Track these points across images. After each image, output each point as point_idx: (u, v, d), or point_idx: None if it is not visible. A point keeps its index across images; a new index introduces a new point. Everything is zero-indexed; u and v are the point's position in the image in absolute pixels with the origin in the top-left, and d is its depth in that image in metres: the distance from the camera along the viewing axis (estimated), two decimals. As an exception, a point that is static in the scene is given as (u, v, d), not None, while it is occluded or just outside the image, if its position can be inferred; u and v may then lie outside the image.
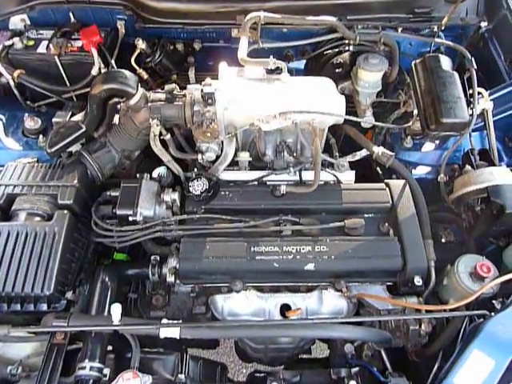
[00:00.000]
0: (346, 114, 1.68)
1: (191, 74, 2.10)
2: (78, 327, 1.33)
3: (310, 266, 1.50)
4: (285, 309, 1.63)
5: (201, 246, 1.52)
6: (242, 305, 1.62)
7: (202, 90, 1.57)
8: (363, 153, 1.85)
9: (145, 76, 2.00)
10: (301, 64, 2.24)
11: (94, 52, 1.87)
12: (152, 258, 1.66)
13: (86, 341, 1.37)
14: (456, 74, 1.70)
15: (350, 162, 1.85)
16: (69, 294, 1.51)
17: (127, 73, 1.62)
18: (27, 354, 1.35)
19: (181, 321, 1.37)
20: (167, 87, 1.63)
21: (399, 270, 1.53)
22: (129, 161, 1.84)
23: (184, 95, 1.63)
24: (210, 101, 1.57)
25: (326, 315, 1.64)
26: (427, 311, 1.43)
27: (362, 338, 1.45)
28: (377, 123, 1.81)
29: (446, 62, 1.73)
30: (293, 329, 1.40)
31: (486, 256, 1.55)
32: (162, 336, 1.30)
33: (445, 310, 1.39)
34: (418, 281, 1.51)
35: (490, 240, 1.72)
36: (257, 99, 1.63)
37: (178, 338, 1.31)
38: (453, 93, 1.64)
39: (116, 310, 1.29)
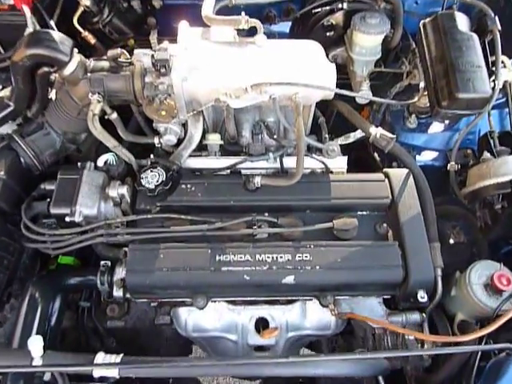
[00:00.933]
0: (338, 87, 1.35)
1: (153, 38, 1.74)
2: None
3: (290, 279, 1.21)
4: (261, 324, 1.36)
5: (153, 254, 1.22)
6: (209, 319, 1.36)
7: (152, 56, 1.23)
8: (358, 134, 1.53)
9: (91, 40, 1.65)
10: (285, 27, 1.88)
11: (27, 10, 1.51)
12: (102, 263, 1.37)
13: (4, 379, 1.08)
14: (475, 37, 1.36)
15: (341, 145, 1.53)
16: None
17: (58, 34, 1.27)
18: None
19: (121, 355, 1.07)
20: (110, 53, 1.28)
21: (399, 282, 1.24)
22: (74, 144, 1.52)
23: (131, 63, 1.28)
24: (163, 70, 1.23)
25: (309, 330, 1.39)
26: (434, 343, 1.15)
27: (354, 373, 1.18)
28: (375, 98, 1.47)
29: (462, 22, 1.38)
30: (268, 367, 1.11)
31: (502, 260, 1.28)
32: (96, 376, 1.01)
33: (458, 343, 1.11)
34: (421, 297, 1.24)
35: (508, 242, 1.43)
36: (224, 67, 1.29)
37: (116, 377, 1.02)
38: (471, 60, 1.30)
39: (35, 344, 0.99)
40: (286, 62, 1.31)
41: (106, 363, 1.01)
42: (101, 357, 1.04)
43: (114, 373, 1.01)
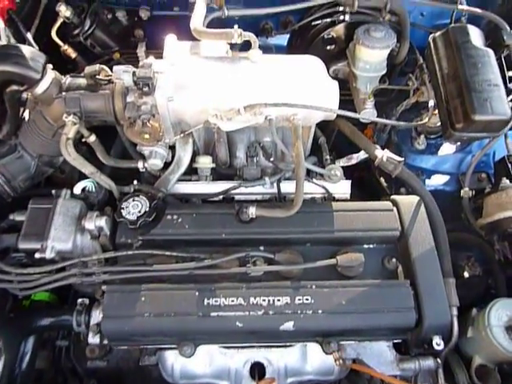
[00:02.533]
0: (341, 105, 1.22)
1: (140, 51, 1.61)
2: None
3: (288, 326, 1.07)
4: (257, 369, 1.22)
5: (133, 296, 1.08)
6: (199, 363, 1.23)
7: (134, 74, 1.10)
8: (361, 155, 1.41)
9: (72, 54, 1.51)
10: (283, 40, 1.76)
11: (0, 22, 1.37)
12: (79, 301, 1.23)
13: None
14: (491, 52, 1.23)
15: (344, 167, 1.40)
16: None
17: (29, 49, 1.14)
18: None
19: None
20: (88, 69, 1.15)
21: (412, 327, 1.10)
22: (51, 168, 1.38)
23: (111, 81, 1.15)
24: (146, 89, 1.10)
25: (311, 375, 1.25)
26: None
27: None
28: (381, 120, 1.34)
29: (476, 36, 1.26)
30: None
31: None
32: None
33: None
34: (437, 343, 1.10)
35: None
36: (214, 86, 1.16)
37: None
38: (488, 78, 1.18)
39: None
40: (284, 79, 1.18)
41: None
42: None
43: None
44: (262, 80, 1.16)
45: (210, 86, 1.15)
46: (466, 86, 1.17)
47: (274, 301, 1.08)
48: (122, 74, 1.13)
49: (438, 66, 1.28)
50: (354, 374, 1.36)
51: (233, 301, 1.07)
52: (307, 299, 1.09)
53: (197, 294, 1.08)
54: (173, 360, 1.23)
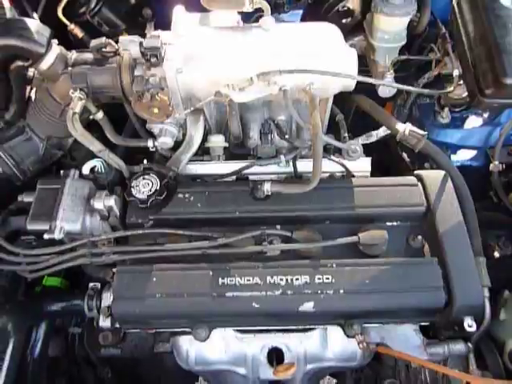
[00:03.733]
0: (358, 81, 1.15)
1: (149, 32, 1.55)
2: None
3: (308, 306, 1.01)
4: (275, 355, 1.16)
5: (144, 277, 1.03)
6: (214, 349, 1.18)
7: (141, 44, 1.05)
8: (381, 132, 1.33)
9: (79, 34, 1.47)
10: (297, 16, 1.70)
11: (5, 1, 1.34)
12: (90, 286, 1.20)
13: None
14: (523, 12, 1.14)
15: (363, 144, 1.32)
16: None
17: (33, 22, 1.10)
18: None
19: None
20: (94, 42, 1.10)
21: (441, 307, 1.03)
22: (60, 151, 1.35)
23: (117, 53, 1.10)
24: (154, 60, 1.05)
25: (332, 362, 1.19)
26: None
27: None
28: (404, 86, 1.26)
29: (506, -5, 1.17)
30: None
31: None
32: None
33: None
34: (469, 325, 1.02)
35: None
36: (225, 55, 1.10)
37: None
38: (520, 39, 1.09)
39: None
40: (299, 46, 1.11)
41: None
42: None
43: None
44: (275, 47, 1.10)
45: (220, 56, 1.10)
46: (496, 47, 1.08)
47: (292, 280, 1.02)
48: (129, 45, 1.08)
49: (463, 30, 1.20)
50: (376, 362, 1.31)
51: (249, 280, 1.02)
52: (328, 278, 1.02)
53: (211, 273, 1.03)
54: (187, 346, 1.18)
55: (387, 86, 1.29)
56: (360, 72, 1.25)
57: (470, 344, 1.09)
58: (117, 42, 1.48)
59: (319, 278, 1.02)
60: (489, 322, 1.08)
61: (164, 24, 1.62)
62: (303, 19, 1.71)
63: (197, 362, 1.19)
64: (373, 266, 1.05)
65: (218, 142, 1.30)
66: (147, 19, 1.60)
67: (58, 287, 1.35)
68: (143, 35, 1.59)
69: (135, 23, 1.60)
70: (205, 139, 1.30)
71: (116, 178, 1.27)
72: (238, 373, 1.18)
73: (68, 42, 1.53)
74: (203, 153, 1.33)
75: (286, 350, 1.16)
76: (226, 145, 1.32)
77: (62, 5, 1.43)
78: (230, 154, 1.35)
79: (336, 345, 1.16)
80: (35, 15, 1.42)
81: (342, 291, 1.01)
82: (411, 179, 1.18)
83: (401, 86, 1.23)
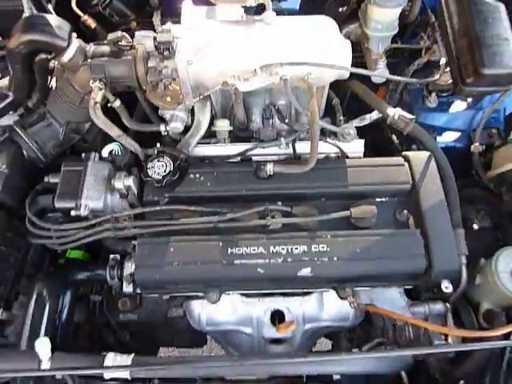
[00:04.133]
0: (352, 66, 1.26)
1: (156, 20, 1.65)
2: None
3: (306, 271, 1.15)
4: (277, 316, 1.31)
5: (162, 248, 1.17)
6: (223, 312, 1.32)
7: (155, 39, 1.15)
8: (374, 115, 1.45)
9: (92, 24, 1.57)
10: (295, 3, 1.77)
11: (23, -6, 1.43)
12: (111, 257, 1.34)
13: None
14: (502, 7, 1.25)
15: (356, 127, 1.45)
16: (-1, 313, 1.19)
17: (55, 18, 1.20)
18: None
19: (132, 356, 1.03)
20: (111, 36, 1.21)
21: (422, 272, 1.18)
22: (78, 135, 1.46)
23: (132, 47, 1.21)
24: (166, 53, 1.16)
25: (327, 322, 1.35)
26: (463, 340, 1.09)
27: (377, 370, 1.12)
28: (393, 77, 1.37)
29: (488, -10, 1.27)
30: (286, 366, 1.06)
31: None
32: (107, 377, 0.97)
33: (484, 339, 1.04)
34: (446, 287, 1.18)
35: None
36: (231, 48, 1.21)
37: (128, 378, 0.98)
38: (498, 33, 1.20)
39: (43, 346, 0.95)
40: (297, 40, 1.22)
41: (115, 366, 0.97)
42: (111, 358, 1.00)
43: (125, 374, 0.97)
44: (276, 41, 1.21)
45: (227, 49, 1.20)
46: (477, 40, 1.19)
47: (292, 249, 1.16)
48: (144, 40, 1.18)
49: (449, 22, 1.30)
50: (367, 324, 1.46)
51: (254, 250, 1.16)
52: (323, 247, 1.16)
53: (221, 244, 1.17)
54: (199, 309, 1.33)
55: (379, 75, 1.40)
56: (355, 58, 1.35)
57: (447, 304, 1.24)
58: (127, 30, 1.58)
59: (315, 247, 1.16)
60: (465, 286, 1.22)
61: (170, 12, 1.72)
62: (302, 6, 1.79)
63: (208, 323, 1.34)
64: (363, 237, 1.19)
65: (223, 126, 1.41)
66: (154, 8, 1.68)
67: (80, 259, 1.49)
68: (151, 23, 1.69)
69: (143, 12, 1.68)
70: (211, 123, 1.41)
71: (131, 160, 1.38)
72: (244, 332, 1.33)
73: (80, 31, 1.61)
74: (210, 136, 1.44)
75: (287, 311, 1.31)
76: (231, 128, 1.43)
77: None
78: (234, 137, 1.46)
79: (331, 307, 1.31)
80: (50, 6, 1.50)
81: (335, 258, 1.15)
82: (399, 160, 1.31)
83: (389, 76, 1.34)
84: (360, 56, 1.61)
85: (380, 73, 1.50)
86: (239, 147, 1.39)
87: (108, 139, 1.39)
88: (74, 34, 1.23)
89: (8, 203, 1.30)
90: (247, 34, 1.22)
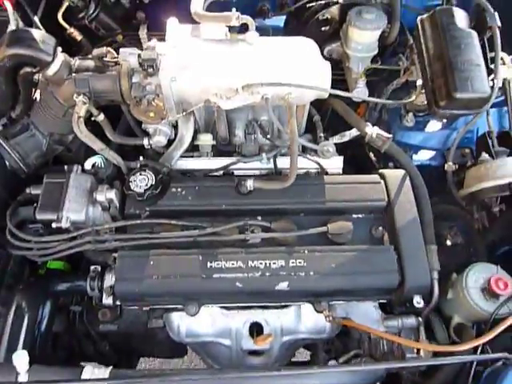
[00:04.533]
0: (334, 83, 1.31)
1: (142, 33, 1.67)
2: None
3: (283, 286, 1.18)
4: (255, 328, 1.34)
5: (143, 261, 1.19)
6: (203, 324, 1.33)
7: (139, 56, 1.18)
8: (354, 132, 1.49)
9: (78, 37, 1.58)
10: (280, 21, 1.83)
11: (9, 6, 1.44)
12: (92, 268, 1.35)
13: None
14: (474, 34, 1.31)
15: (337, 143, 1.49)
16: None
17: (40, 33, 1.22)
18: None
19: (110, 369, 1.04)
20: (96, 51, 1.23)
21: (395, 288, 1.22)
22: (61, 146, 1.47)
23: (117, 62, 1.23)
24: (150, 70, 1.19)
25: (304, 334, 1.37)
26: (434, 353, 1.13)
27: (351, 383, 1.15)
28: (370, 99, 1.43)
29: (461, 18, 1.33)
30: (262, 380, 1.08)
31: (499, 261, 1.25)
32: (84, 389, 0.98)
33: (454, 353, 1.08)
34: (417, 302, 1.22)
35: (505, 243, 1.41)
36: (214, 67, 1.24)
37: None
38: (470, 58, 1.26)
39: (20, 359, 0.96)
40: (279, 60, 1.26)
41: (93, 379, 0.98)
42: (89, 371, 1.01)
43: (102, 386, 0.98)
44: (258, 61, 1.24)
45: (210, 67, 1.23)
46: (450, 65, 1.25)
47: (270, 264, 1.19)
48: (128, 56, 1.21)
49: (424, 46, 1.35)
50: (344, 336, 1.49)
51: (233, 264, 1.18)
52: (300, 262, 1.20)
53: (200, 258, 1.19)
54: (179, 321, 1.34)
55: (357, 97, 1.45)
56: (337, 75, 1.40)
57: (420, 318, 1.28)
58: (113, 42, 1.60)
59: (293, 262, 1.19)
60: (437, 300, 1.26)
61: (156, 26, 1.75)
62: (286, 24, 1.84)
63: (187, 335, 1.35)
64: (339, 252, 1.22)
65: (206, 140, 1.44)
66: (140, 22, 1.71)
67: (61, 270, 1.50)
68: (137, 36, 1.72)
69: (129, 26, 1.71)
70: (194, 137, 1.44)
71: (114, 173, 1.40)
72: (223, 344, 1.35)
73: (65, 43, 1.63)
74: (193, 150, 1.47)
75: (265, 324, 1.33)
76: (214, 143, 1.46)
77: (62, 10, 1.53)
78: (217, 151, 1.50)
79: (308, 320, 1.33)
80: (36, 18, 1.51)
81: (312, 273, 1.19)
82: (375, 177, 1.36)
83: (367, 99, 1.39)
84: (341, 74, 1.67)
85: (359, 91, 1.55)
86: (222, 161, 1.43)
87: (92, 150, 1.41)
88: (59, 49, 1.24)
89: (-15, 216, 1.30)
90: (230, 53, 1.25)
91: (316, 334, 1.36)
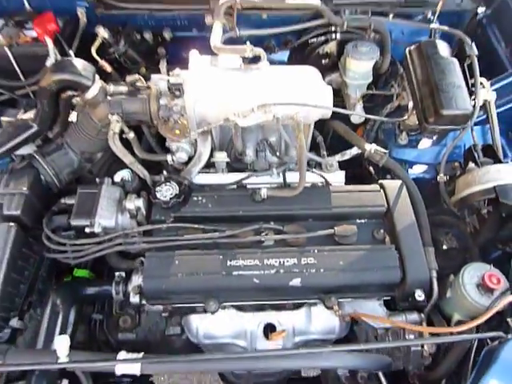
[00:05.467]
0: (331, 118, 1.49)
1: (162, 66, 1.89)
2: (15, 366, 1.10)
3: (296, 282, 1.30)
4: (269, 329, 1.43)
5: (168, 260, 1.31)
6: (219, 325, 1.42)
7: (168, 81, 1.37)
8: (354, 151, 1.67)
9: (108, 69, 1.79)
10: (284, 56, 2.05)
11: (49, 41, 1.65)
12: (116, 274, 1.46)
13: (28, 381, 1.14)
14: (455, 61, 1.52)
15: (339, 161, 1.66)
16: (14, 322, 1.28)
17: (81, 62, 1.41)
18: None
19: (142, 354, 1.14)
20: (129, 78, 1.42)
21: (398, 283, 1.34)
22: (90, 164, 1.63)
23: (148, 87, 1.42)
24: (177, 92, 1.37)
25: (315, 335, 1.45)
26: (432, 334, 1.23)
27: (359, 366, 1.25)
28: (368, 116, 1.61)
29: (443, 48, 1.55)
30: (276, 360, 1.18)
31: (493, 264, 1.38)
32: (118, 373, 1.08)
33: (452, 333, 1.19)
34: (419, 295, 1.33)
35: (496, 246, 1.54)
36: (232, 90, 1.42)
37: (138, 374, 1.09)
38: (453, 81, 1.45)
39: (61, 343, 1.06)
40: (288, 84, 1.45)
41: (128, 359, 1.08)
42: (123, 355, 1.11)
43: (135, 369, 1.08)
44: (270, 85, 1.44)
45: (228, 91, 1.42)
46: (436, 87, 1.44)
47: (283, 262, 1.31)
48: (159, 81, 1.39)
49: (413, 73, 1.56)
50: (351, 335, 1.58)
51: (250, 262, 1.31)
52: (311, 260, 1.32)
53: (220, 257, 1.32)
54: (197, 323, 1.43)
55: (356, 114, 1.64)
56: (337, 102, 1.58)
57: (422, 315, 1.39)
58: (138, 73, 1.80)
59: (304, 260, 1.32)
60: (437, 296, 1.37)
61: (175, 60, 1.97)
62: (290, 58, 2.06)
63: (205, 337, 1.43)
64: (346, 252, 1.35)
65: (222, 157, 1.60)
66: (161, 56, 1.93)
67: (86, 278, 1.61)
68: (158, 69, 1.93)
69: (152, 60, 1.93)
70: (211, 155, 1.60)
71: (139, 186, 1.55)
72: (239, 345, 1.44)
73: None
74: (209, 166, 1.63)
75: (278, 324, 1.43)
76: (228, 160, 1.62)
77: (96, 45, 1.74)
78: (230, 168, 1.66)
79: (318, 321, 1.42)
80: (71, 52, 1.72)
81: (322, 270, 1.31)
82: (375, 187, 1.51)
83: (366, 116, 1.58)
84: (341, 101, 1.86)
85: (358, 113, 1.73)
86: (235, 176, 1.58)
87: (110, 172, 1.56)
88: (97, 76, 1.43)
89: (25, 222, 1.43)
90: (246, 78, 1.44)
91: (326, 334, 1.45)
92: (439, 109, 1.41)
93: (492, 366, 1.04)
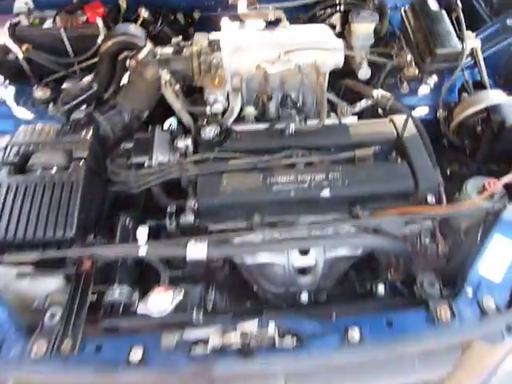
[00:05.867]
0: (341, 72, 1.77)
1: (193, 41, 2.19)
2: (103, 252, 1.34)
3: (326, 192, 1.54)
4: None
5: (218, 181, 1.56)
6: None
7: (208, 38, 1.65)
8: (363, 103, 1.93)
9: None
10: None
11: (100, 22, 1.95)
12: (168, 208, 1.68)
13: (113, 267, 1.38)
14: (444, 12, 1.82)
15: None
16: (90, 238, 1.52)
17: (135, 26, 1.70)
18: (53, 289, 1.34)
19: (207, 239, 1.38)
20: (174, 40, 1.70)
21: (411, 191, 1.58)
22: (138, 122, 1.89)
23: (191, 44, 1.70)
24: (216, 47, 1.65)
25: (343, 250, 1.65)
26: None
27: (377, 245, 1.47)
28: (376, 58, 1.89)
29: (433, 4, 1.85)
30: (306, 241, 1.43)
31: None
32: (189, 257, 1.31)
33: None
34: (431, 199, 1.56)
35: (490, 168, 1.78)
36: (260, 43, 1.72)
37: (204, 258, 1.32)
38: (443, 27, 1.75)
39: (142, 232, 1.30)
40: (306, 37, 1.74)
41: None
42: (192, 243, 1.34)
43: (202, 255, 1.31)
44: (292, 37, 1.73)
45: (257, 44, 1.71)
46: (429, 33, 1.74)
47: (314, 177, 1.56)
48: (199, 40, 1.68)
49: (409, 26, 1.86)
50: (374, 263, 1.79)
51: (286, 178, 1.55)
52: (337, 175, 1.57)
53: (261, 176, 1.57)
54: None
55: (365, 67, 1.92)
56: (343, 71, 1.86)
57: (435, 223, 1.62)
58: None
59: (331, 175, 1.56)
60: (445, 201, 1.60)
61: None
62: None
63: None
64: (366, 168, 1.60)
65: (250, 111, 1.88)
66: (191, 35, 2.22)
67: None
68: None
69: (183, 38, 2.22)
70: (241, 110, 1.87)
71: (181, 131, 1.80)
72: (278, 263, 1.66)
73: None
74: (239, 120, 1.90)
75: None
76: (256, 113, 1.89)
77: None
78: (257, 122, 1.92)
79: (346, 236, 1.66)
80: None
81: (347, 182, 1.55)
82: (385, 120, 1.77)
83: (372, 58, 1.86)
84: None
85: (364, 69, 2.01)
86: (264, 125, 1.84)
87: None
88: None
89: (91, 165, 1.68)
90: (271, 34, 1.74)
91: (352, 249, 1.68)
92: (433, 49, 1.69)
93: (496, 225, 1.27)
